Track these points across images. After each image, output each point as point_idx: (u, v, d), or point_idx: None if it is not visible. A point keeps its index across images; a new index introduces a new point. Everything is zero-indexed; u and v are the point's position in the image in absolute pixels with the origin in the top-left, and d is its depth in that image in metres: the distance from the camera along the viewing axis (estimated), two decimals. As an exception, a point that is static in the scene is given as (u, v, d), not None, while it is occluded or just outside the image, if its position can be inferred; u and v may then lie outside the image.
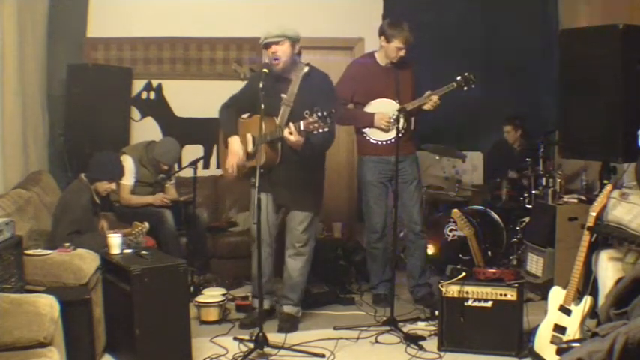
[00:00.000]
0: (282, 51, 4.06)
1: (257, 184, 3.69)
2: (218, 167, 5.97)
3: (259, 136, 3.98)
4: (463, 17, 6.32)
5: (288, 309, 4.35)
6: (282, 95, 4.12)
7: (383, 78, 4.68)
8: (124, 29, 5.95)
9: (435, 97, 4.53)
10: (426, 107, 4.58)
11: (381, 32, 4.66)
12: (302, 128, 3.83)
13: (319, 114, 3.70)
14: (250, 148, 4.23)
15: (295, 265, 4.31)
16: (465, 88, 4.53)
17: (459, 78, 4.51)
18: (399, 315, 4.36)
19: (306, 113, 3.79)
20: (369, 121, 4.68)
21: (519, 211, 5.57)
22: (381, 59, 4.73)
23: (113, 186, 4.46)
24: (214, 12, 6.02)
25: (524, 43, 6.37)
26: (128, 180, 5.11)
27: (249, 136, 4.23)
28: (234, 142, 4.22)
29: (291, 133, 3.86)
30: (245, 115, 4.33)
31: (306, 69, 4.19)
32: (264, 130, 3.99)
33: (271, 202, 4.25)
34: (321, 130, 3.77)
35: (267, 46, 4.08)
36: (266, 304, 4.29)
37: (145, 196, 5.22)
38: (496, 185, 5.83)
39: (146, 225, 4.31)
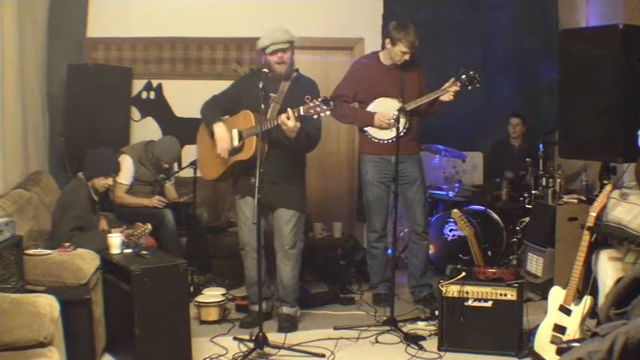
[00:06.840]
0: (288, 57, 4.11)
1: (257, 184, 3.67)
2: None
3: (250, 127, 3.97)
4: (463, 17, 6.31)
5: (286, 310, 4.35)
6: (272, 94, 4.09)
7: (386, 77, 4.68)
8: (124, 29, 5.94)
9: (453, 87, 4.50)
10: (443, 98, 4.55)
11: (387, 34, 4.65)
12: (302, 112, 3.77)
13: (321, 99, 3.69)
14: (236, 142, 4.15)
15: (285, 268, 4.29)
16: (470, 87, 4.53)
17: (463, 77, 4.51)
18: (399, 315, 4.36)
19: (307, 98, 3.74)
20: (369, 120, 4.66)
21: (519, 211, 5.56)
22: (384, 59, 4.72)
23: (110, 181, 4.45)
24: (214, 12, 6.01)
25: (524, 43, 6.36)
26: (125, 179, 5.10)
27: (234, 132, 4.16)
28: (220, 127, 4.16)
29: (288, 118, 3.79)
30: (225, 117, 4.26)
31: (295, 73, 4.23)
32: (254, 122, 3.98)
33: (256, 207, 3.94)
34: (322, 114, 3.73)
35: (274, 52, 4.07)
36: (264, 307, 4.23)
37: (143, 194, 5.21)
38: (496, 185, 5.84)
39: (149, 226, 4.30)
